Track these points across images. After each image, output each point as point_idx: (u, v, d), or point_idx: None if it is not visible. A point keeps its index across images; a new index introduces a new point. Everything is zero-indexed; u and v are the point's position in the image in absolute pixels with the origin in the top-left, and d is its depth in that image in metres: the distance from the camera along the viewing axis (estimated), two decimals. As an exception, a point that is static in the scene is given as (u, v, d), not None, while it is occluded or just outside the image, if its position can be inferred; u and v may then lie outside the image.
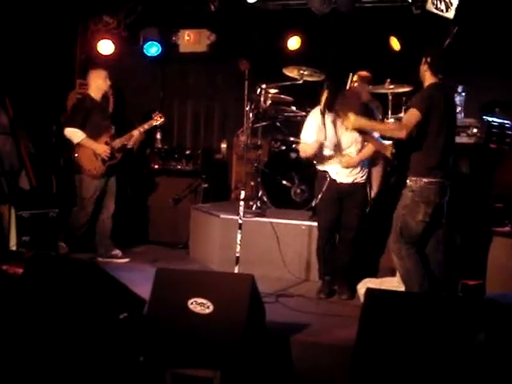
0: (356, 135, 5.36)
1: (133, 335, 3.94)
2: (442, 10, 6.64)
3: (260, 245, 6.19)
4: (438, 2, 6.68)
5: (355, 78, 6.33)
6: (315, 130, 5.46)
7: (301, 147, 5.70)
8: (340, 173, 5.49)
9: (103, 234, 6.69)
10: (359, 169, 5.51)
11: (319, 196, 5.57)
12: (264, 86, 6.90)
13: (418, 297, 4.12)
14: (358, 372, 3.52)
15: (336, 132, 5.43)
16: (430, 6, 6.76)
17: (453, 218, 5.08)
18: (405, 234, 4.68)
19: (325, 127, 5.37)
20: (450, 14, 6.62)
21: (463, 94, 6.32)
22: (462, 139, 5.92)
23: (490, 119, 5.98)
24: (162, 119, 6.83)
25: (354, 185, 5.51)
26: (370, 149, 5.45)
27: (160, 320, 3.93)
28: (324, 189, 5.51)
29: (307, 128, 5.59)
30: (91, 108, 6.51)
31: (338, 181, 5.50)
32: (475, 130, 5.93)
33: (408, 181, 4.69)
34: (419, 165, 4.65)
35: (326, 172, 5.54)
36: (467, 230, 5.57)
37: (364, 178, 5.57)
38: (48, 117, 5.92)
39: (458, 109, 6.05)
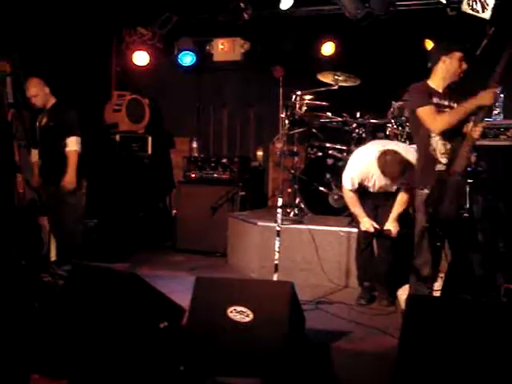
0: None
1: (173, 344, 3.95)
2: (477, 11, 6.55)
3: (299, 252, 6.17)
4: (474, 3, 6.59)
5: None
6: (356, 176, 5.40)
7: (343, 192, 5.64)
8: (374, 185, 5.46)
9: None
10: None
11: None
12: (299, 92, 6.89)
13: (460, 302, 4.05)
14: (400, 380, 3.47)
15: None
16: (465, 7, 6.67)
17: (495, 220, 4.99)
18: None
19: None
20: (487, 15, 6.52)
21: (502, 95, 6.22)
22: (501, 141, 5.83)
23: None
24: None
25: (388, 192, 5.45)
26: (401, 207, 5.39)
27: (200, 329, 3.92)
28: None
29: (348, 173, 5.48)
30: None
31: (372, 190, 5.46)
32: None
33: None
34: None
35: None
36: (510, 233, 5.46)
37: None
38: (85, 130, 5.96)
39: (497, 110, 5.96)
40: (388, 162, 5.08)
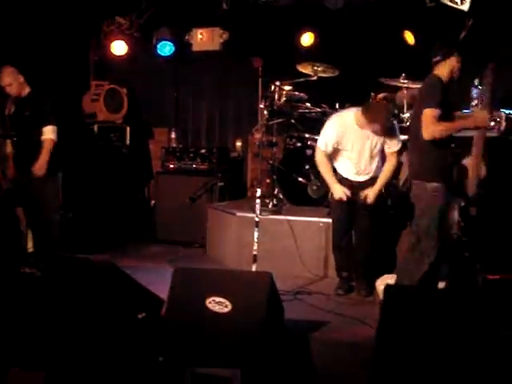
0: (379, 148, 5.36)
1: (151, 335, 3.93)
2: (456, 3, 6.57)
3: (277, 242, 6.18)
4: (453, -5, 6.61)
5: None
6: (332, 139, 5.42)
7: (316, 153, 5.65)
8: (352, 172, 5.47)
9: None
10: (374, 166, 5.48)
11: (330, 193, 5.58)
12: (278, 83, 6.88)
13: (436, 293, 4.09)
14: (377, 369, 3.49)
15: (363, 141, 5.39)
16: (444, -1, 6.69)
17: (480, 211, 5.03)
18: None
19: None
20: (465, 7, 6.54)
21: (479, 87, 6.25)
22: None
23: (507, 112, 5.92)
24: None
25: (367, 182, 5.48)
26: (385, 176, 5.45)
27: (178, 319, 3.91)
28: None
29: (324, 135, 5.51)
30: None
31: (351, 179, 5.47)
32: (492, 123, 5.86)
33: None
34: None
35: (336, 169, 5.55)
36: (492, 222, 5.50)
37: (378, 172, 5.52)
38: (63, 120, 5.91)
39: (475, 102, 5.99)
40: (374, 105, 5.14)
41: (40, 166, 5.71)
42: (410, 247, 4.82)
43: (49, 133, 5.77)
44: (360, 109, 5.27)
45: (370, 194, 5.36)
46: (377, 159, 5.47)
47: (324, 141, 5.44)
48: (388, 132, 5.33)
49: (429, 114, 4.49)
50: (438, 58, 4.70)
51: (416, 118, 4.68)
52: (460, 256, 4.65)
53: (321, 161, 5.51)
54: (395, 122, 5.52)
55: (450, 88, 4.71)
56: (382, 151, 5.46)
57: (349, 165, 5.47)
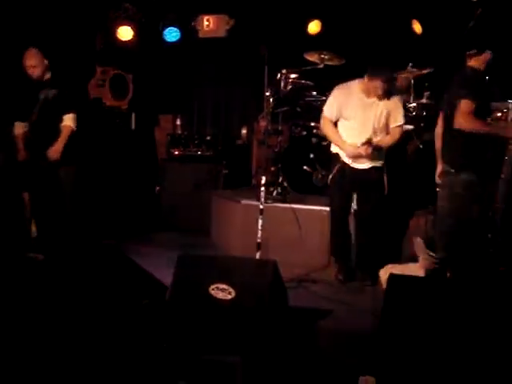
0: (384, 122, 5.34)
1: (155, 321, 3.95)
2: (464, -8, 6.53)
3: (282, 230, 6.17)
4: (461, -15, 6.57)
5: None
6: (335, 105, 5.48)
7: (322, 121, 5.68)
8: (355, 115, 5.45)
9: None
10: (376, 153, 5.45)
11: (329, 178, 5.57)
12: (284, 70, 6.86)
13: (440, 282, 4.09)
14: (380, 358, 3.50)
15: (368, 109, 5.39)
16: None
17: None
18: None
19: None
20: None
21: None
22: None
23: None
24: None
25: (368, 170, 5.46)
26: (387, 140, 5.45)
27: (181, 306, 3.93)
28: (334, 172, 5.51)
29: (328, 102, 5.60)
30: None
31: (352, 165, 5.47)
32: None
33: None
34: None
35: (338, 154, 5.53)
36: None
37: (381, 162, 5.50)
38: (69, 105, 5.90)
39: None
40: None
41: (55, 151, 5.67)
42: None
43: (69, 120, 5.75)
44: (366, 76, 5.33)
45: (368, 148, 5.35)
46: (380, 138, 5.45)
47: (328, 107, 5.52)
48: (394, 105, 5.38)
49: (464, 105, 4.55)
50: (475, 50, 4.72)
51: (451, 109, 4.71)
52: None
53: (327, 127, 5.56)
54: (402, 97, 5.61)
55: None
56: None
57: (353, 139, 5.45)
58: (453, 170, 4.74)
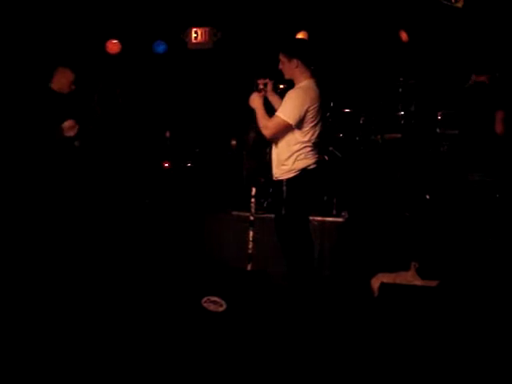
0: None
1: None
2: (450, 0, 6.59)
3: (272, 241, 6.16)
4: (448, -8, 6.63)
5: None
6: None
7: None
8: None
9: None
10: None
11: None
12: (272, 81, 6.87)
13: (432, 291, 4.10)
14: (373, 366, 3.52)
15: None
16: (439, -4, 6.71)
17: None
18: None
19: None
20: (460, 4, 6.56)
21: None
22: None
23: None
24: None
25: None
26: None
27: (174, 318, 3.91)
28: None
29: None
30: None
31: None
32: None
33: None
34: None
35: None
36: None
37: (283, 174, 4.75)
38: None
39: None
40: None
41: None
42: None
43: None
44: None
45: None
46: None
47: None
48: None
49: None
50: None
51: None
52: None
53: None
54: None
55: None
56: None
57: None
58: None
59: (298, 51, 4.65)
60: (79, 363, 3.76)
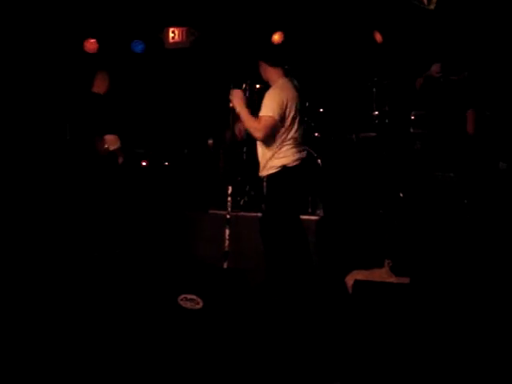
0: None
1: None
2: (422, 2, 6.67)
3: (249, 240, 6.21)
4: (421, -5, 6.72)
5: None
6: None
7: None
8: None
9: None
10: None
11: None
12: (249, 81, 6.92)
13: (406, 288, 4.17)
14: (347, 364, 3.57)
15: None
16: (413, -1, 6.80)
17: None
18: None
19: None
20: (432, 6, 6.65)
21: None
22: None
23: None
24: None
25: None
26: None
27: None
28: None
29: None
30: None
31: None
32: None
33: None
34: None
35: None
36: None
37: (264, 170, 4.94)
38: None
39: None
40: None
41: None
42: None
43: None
44: None
45: None
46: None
47: None
48: None
49: None
50: None
51: None
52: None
53: None
54: None
55: None
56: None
57: None
58: None
59: (263, 54, 4.76)
60: (58, 359, 3.79)
